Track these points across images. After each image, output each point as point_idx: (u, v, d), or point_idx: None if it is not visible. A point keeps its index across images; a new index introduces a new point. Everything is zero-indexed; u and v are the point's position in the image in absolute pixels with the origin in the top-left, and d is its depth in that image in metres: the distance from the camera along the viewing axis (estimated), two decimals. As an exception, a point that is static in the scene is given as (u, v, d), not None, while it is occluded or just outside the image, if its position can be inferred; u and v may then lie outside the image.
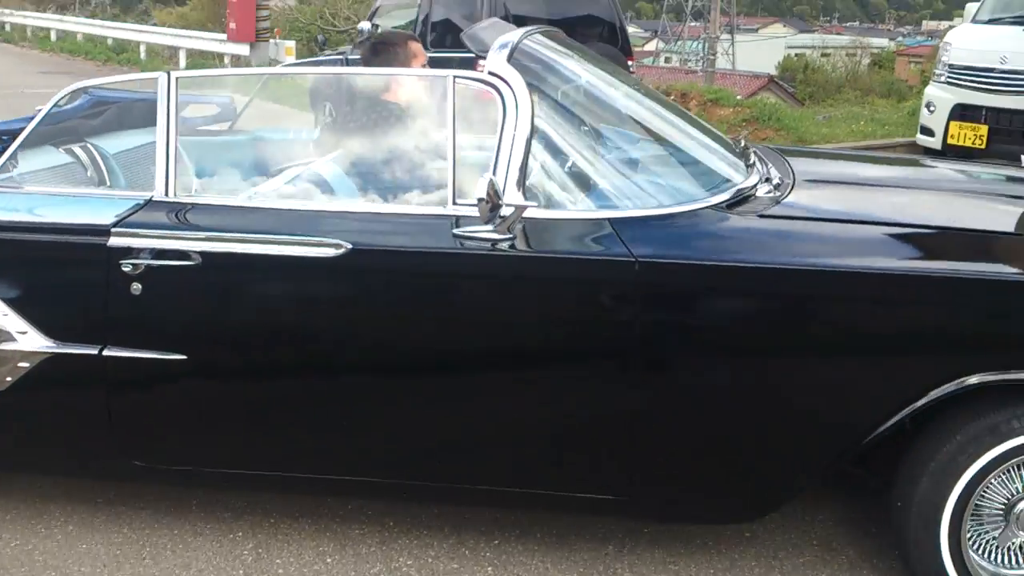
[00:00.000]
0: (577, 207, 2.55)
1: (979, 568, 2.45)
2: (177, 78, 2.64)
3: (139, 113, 3.46)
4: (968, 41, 8.31)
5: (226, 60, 16.16)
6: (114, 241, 2.54)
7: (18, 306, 2.60)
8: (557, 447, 2.58)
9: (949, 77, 8.15)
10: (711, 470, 2.55)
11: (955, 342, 2.39)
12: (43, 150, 3.15)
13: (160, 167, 2.61)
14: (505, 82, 2.51)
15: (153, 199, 2.63)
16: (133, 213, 2.59)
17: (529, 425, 2.56)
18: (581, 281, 2.46)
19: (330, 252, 2.47)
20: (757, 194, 2.77)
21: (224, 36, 15.87)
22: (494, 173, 2.41)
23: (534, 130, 2.47)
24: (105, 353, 2.57)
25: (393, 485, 2.74)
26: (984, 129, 7.71)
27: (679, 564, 2.75)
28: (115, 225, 2.56)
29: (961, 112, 7.92)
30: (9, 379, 2.63)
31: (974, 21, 8.61)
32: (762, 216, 2.65)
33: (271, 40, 15.16)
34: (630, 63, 8.66)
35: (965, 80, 7.93)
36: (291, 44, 14.81)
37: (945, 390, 2.32)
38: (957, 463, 2.35)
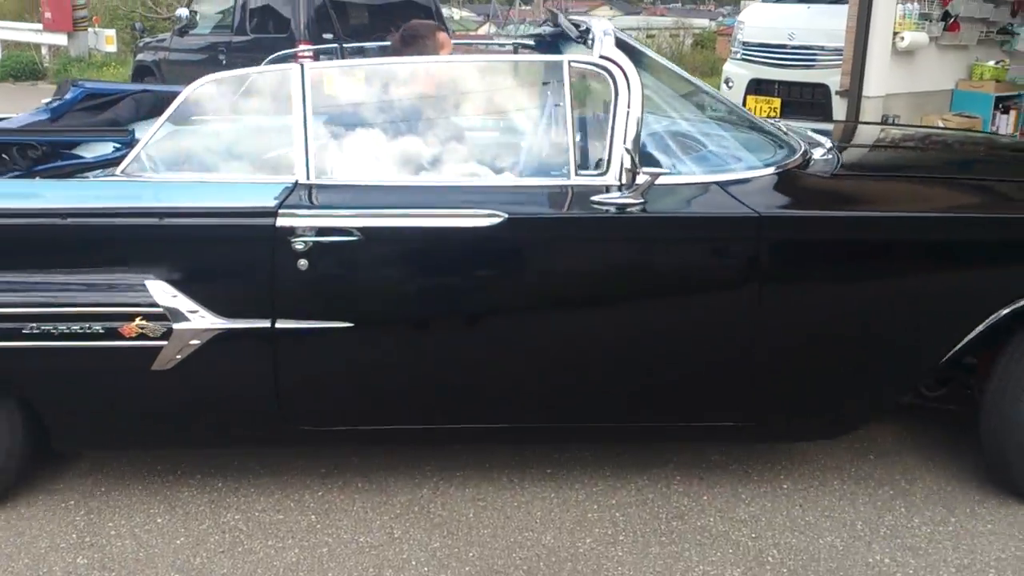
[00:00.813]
0: (686, 173, 2.94)
1: None
2: (311, 68, 2.83)
3: (147, 104, 3.64)
4: (760, 19, 8.90)
5: (43, 50, 15.53)
6: (281, 221, 2.67)
7: (185, 288, 2.68)
8: (692, 381, 2.94)
9: (744, 54, 8.75)
10: (813, 393, 2.97)
11: (1008, 272, 2.89)
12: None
13: (299, 153, 2.79)
14: (617, 65, 2.83)
15: (299, 182, 2.78)
16: (288, 195, 2.73)
17: (668, 364, 2.91)
18: (712, 235, 2.83)
19: (487, 222, 2.70)
20: (814, 157, 3.28)
21: (40, 26, 15.23)
22: (610, 146, 2.77)
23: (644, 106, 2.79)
24: (277, 326, 2.71)
25: (547, 429, 3.06)
26: (777, 102, 8.32)
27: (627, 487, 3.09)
28: (280, 207, 2.69)
29: (756, 87, 8.51)
30: (179, 357, 2.71)
31: (764, 0, 9.27)
32: (835, 176, 3.26)
33: (89, 29, 14.66)
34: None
35: (758, 56, 8.52)
36: (111, 33, 14.39)
37: (1002, 313, 2.82)
38: None
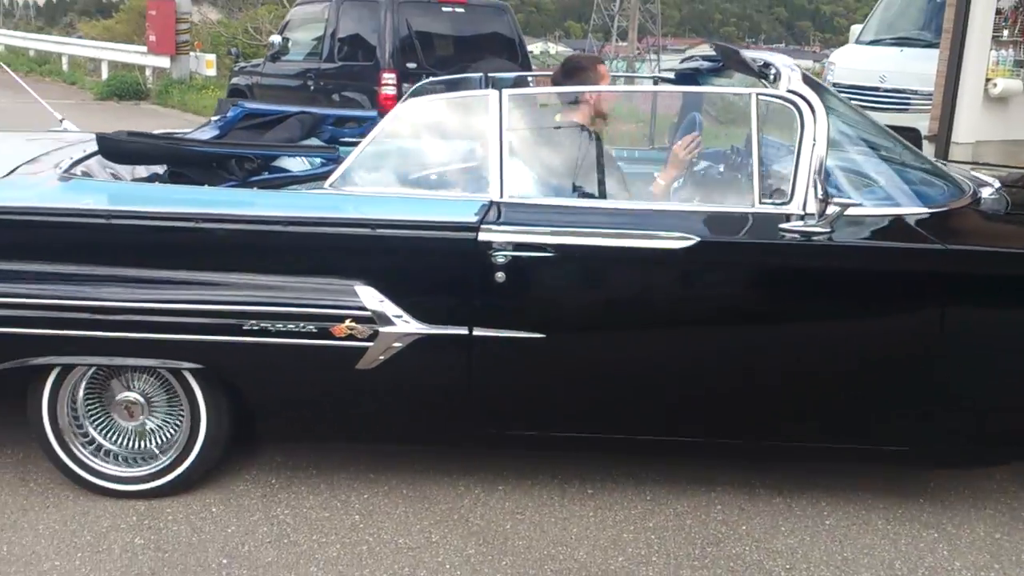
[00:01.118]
0: (867, 204, 3.02)
1: None
2: (509, 95, 3.00)
3: (308, 124, 4.02)
4: (852, 61, 8.84)
5: (147, 72, 16.26)
6: (483, 236, 2.85)
7: (391, 294, 2.87)
8: (868, 403, 3.00)
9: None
10: (981, 422, 3.03)
11: None
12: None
13: (494, 174, 2.96)
14: (804, 99, 2.94)
15: (493, 201, 2.95)
16: (486, 213, 2.91)
17: (842, 387, 3.00)
18: (897, 266, 2.92)
19: (679, 244, 2.84)
20: (984, 197, 3.35)
21: (145, 49, 15.96)
22: (795, 177, 2.90)
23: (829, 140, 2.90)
24: (474, 333, 2.90)
25: (716, 444, 3.16)
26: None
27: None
28: (481, 222, 2.87)
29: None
30: (382, 358, 2.90)
31: (857, 42, 9.19)
32: (1008, 215, 3.31)
33: (191, 53, 15.31)
34: (529, 78, 9.03)
35: (849, 98, 8.44)
36: (211, 57, 14.98)
37: None
38: None
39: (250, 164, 3.42)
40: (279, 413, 3.13)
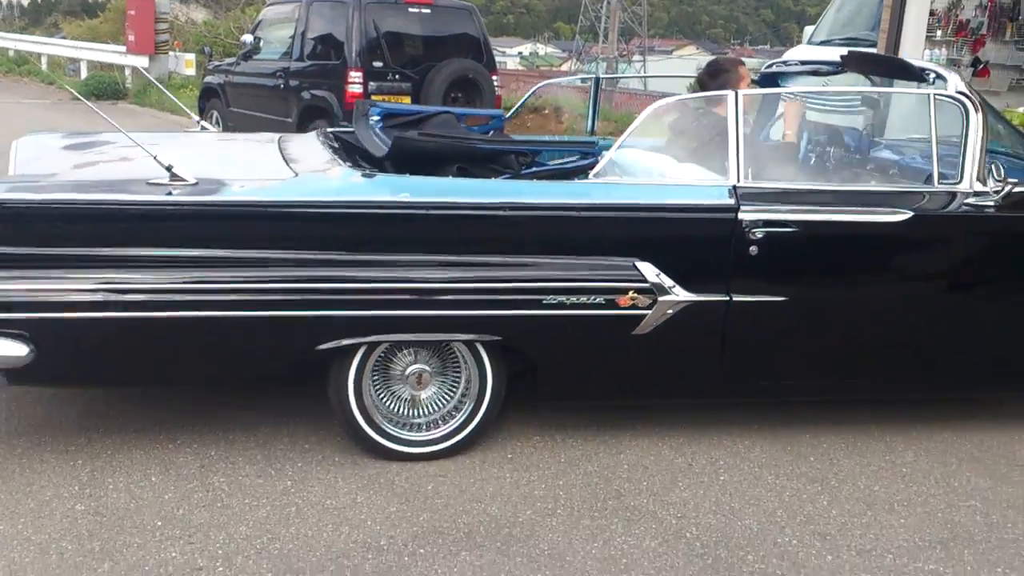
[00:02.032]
0: (999, 185, 3.51)
1: None
2: (744, 97, 3.46)
3: (452, 122, 4.38)
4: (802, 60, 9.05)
5: (127, 72, 16.44)
6: (742, 216, 3.31)
7: (664, 267, 3.28)
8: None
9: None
10: None
11: None
12: None
13: (733, 161, 3.37)
14: (970, 98, 3.57)
15: (736, 185, 3.37)
16: (736, 195, 3.35)
17: (1008, 337, 3.66)
18: None
19: (899, 217, 3.42)
20: None
21: (124, 48, 16.15)
22: (962, 161, 3.52)
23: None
24: (732, 300, 3.35)
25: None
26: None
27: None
28: (739, 205, 3.31)
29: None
30: (656, 324, 3.30)
31: (809, 42, 9.44)
32: None
33: (170, 53, 15.51)
34: (494, 78, 9.31)
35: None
36: (191, 57, 15.19)
37: None
38: None
39: (524, 159, 3.83)
40: (561, 376, 3.48)
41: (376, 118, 4.30)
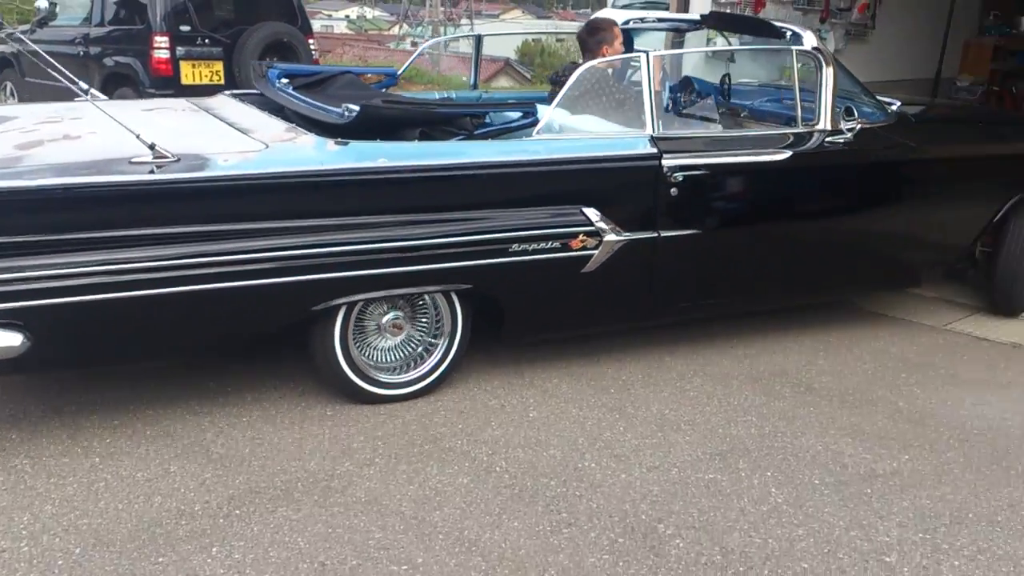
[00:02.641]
0: (852, 124, 4.19)
1: None
2: (654, 57, 3.94)
3: (356, 82, 4.54)
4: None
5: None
6: (664, 162, 3.78)
7: (604, 211, 3.69)
8: (862, 256, 4.46)
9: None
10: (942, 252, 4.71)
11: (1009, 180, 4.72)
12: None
13: (648, 115, 3.83)
14: (821, 53, 4.24)
15: (653, 136, 3.83)
16: (655, 144, 3.80)
17: (859, 248, 4.43)
18: (888, 157, 4.36)
19: (780, 156, 4.06)
20: (897, 111, 4.80)
21: (-98, 24, 14.90)
22: (819, 105, 4.19)
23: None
24: (658, 235, 3.82)
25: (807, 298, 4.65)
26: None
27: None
28: (661, 153, 3.77)
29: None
30: (601, 262, 3.72)
31: (613, 5, 9.79)
32: (919, 121, 5.10)
33: (-46, 27, 14.41)
34: (310, 41, 9.18)
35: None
36: (-23, 30, 14.14)
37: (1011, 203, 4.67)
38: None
39: (476, 120, 4.08)
40: (524, 315, 3.83)
41: (285, 80, 4.41)
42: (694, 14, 6.23)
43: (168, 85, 8.22)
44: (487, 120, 4.17)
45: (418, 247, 3.45)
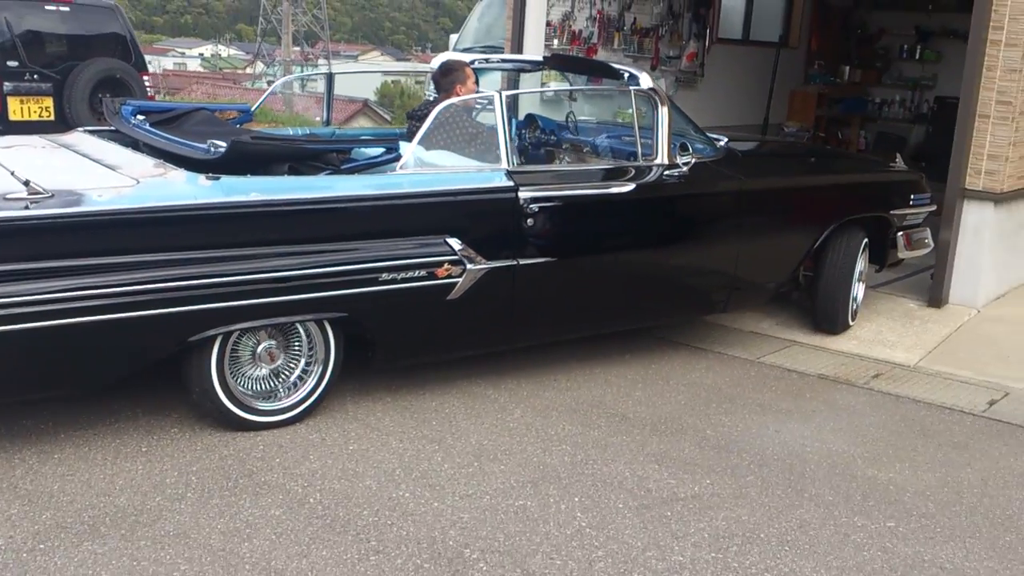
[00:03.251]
0: (687, 158, 4.54)
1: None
2: (505, 96, 4.14)
3: (208, 118, 4.60)
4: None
5: None
6: (520, 194, 4.01)
7: (467, 241, 3.88)
8: (698, 281, 4.87)
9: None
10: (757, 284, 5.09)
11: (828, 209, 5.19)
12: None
13: (504, 150, 4.07)
14: (657, 93, 4.54)
15: (508, 170, 4.06)
16: (511, 178, 4.03)
17: (696, 273, 4.83)
18: (721, 189, 4.78)
19: (625, 188, 4.39)
20: (725, 145, 5.27)
21: None
22: (656, 142, 4.51)
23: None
24: (517, 263, 4.03)
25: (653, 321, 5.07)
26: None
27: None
28: (518, 186, 4.00)
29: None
30: (464, 289, 3.89)
31: (455, 49, 10.03)
32: (746, 155, 5.70)
33: None
34: (144, 78, 9.06)
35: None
36: None
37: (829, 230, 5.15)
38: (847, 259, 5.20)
39: (342, 155, 4.24)
40: (393, 342, 3.98)
41: (141, 117, 4.49)
42: (536, 56, 6.51)
43: (-4, 122, 8.00)
44: (352, 156, 4.30)
45: (292, 277, 3.57)
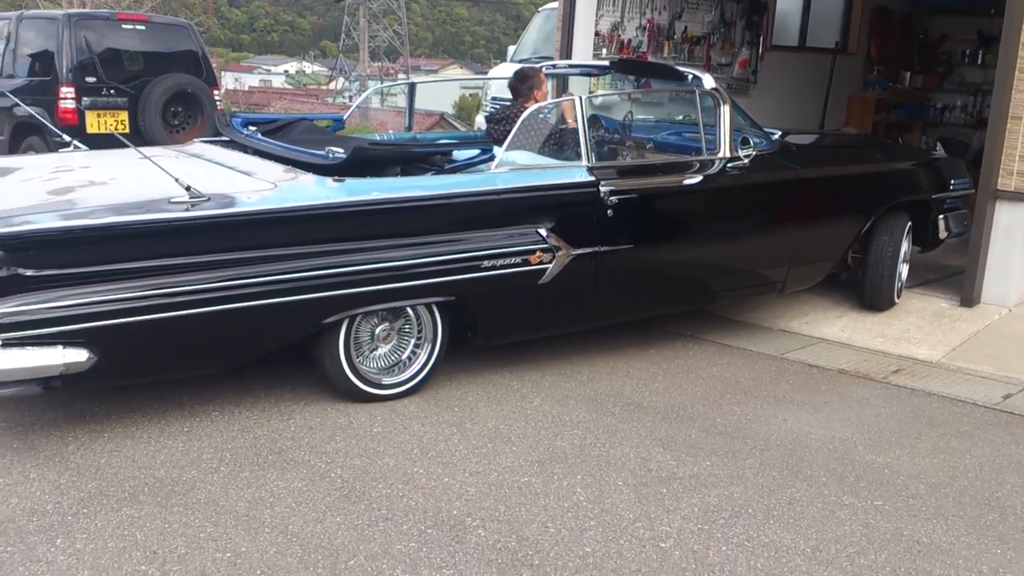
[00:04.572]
0: (748, 151, 4.95)
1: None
2: (586, 99, 4.58)
3: (311, 127, 5.17)
4: (502, 77, 9.91)
5: None
6: (601, 188, 4.47)
7: (556, 231, 4.34)
8: (762, 261, 5.29)
9: (492, 108, 9.72)
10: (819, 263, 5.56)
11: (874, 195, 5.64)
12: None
13: (584, 148, 4.53)
14: (720, 92, 4.98)
15: (587, 167, 4.50)
16: (593, 172, 4.50)
17: (759, 255, 5.28)
18: (780, 178, 5.19)
19: (695, 179, 4.84)
20: (783, 139, 5.72)
21: None
22: (719, 136, 4.92)
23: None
24: (599, 250, 4.47)
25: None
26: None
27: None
28: (599, 180, 4.47)
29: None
30: (554, 274, 4.35)
31: (510, 60, 10.31)
32: (801, 147, 5.94)
33: None
34: (214, 92, 9.54)
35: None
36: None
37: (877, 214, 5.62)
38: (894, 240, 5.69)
39: (445, 157, 4.62)
40: (492, 323, 4.42)
41: (253, 128, 5.00)
42: (603, 61, 6.83)
43: (74, 134, 8.48)
44: (453, 157, 4.70)
45: (408, 266, 4.03)
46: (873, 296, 5.79)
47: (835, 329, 5.52)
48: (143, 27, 9.24)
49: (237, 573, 2.85)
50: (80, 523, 3.11)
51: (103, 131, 8.56)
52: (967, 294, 5.85)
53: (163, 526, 3.11)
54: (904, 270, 5.96)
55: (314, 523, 3.15)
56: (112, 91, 8.89)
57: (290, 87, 46.32)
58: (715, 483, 3.52)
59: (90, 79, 8.76)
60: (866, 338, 5.37)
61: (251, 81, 46.41)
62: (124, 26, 9.15)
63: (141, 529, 3.08)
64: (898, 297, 5.93)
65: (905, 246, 5.85)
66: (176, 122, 9.20)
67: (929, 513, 3.36)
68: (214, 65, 10.15)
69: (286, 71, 60.70)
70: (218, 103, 9.59)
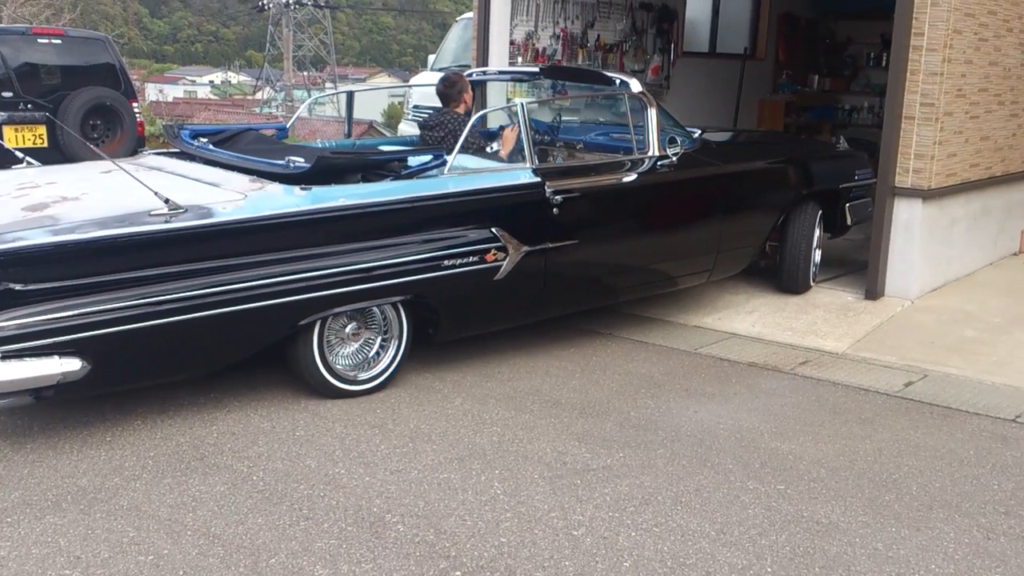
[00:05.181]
0: (676, 149, 5.26)
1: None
2: (523, 104, 4.85)
3: (257, 136, 5.27)
4: (425, 84, 10.06)
5: None
6: (547, 188, 4.75)
7: (508, 230, 4.60)
8: (685, 252, 5.60)
9: (414, 115, 9.85)
10: (739, 251, 5.89)
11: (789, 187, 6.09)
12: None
13: (528, 151, 4.81)
14: (646, 95, 5.39)
15: (532, 168, 4.79)
16: (537, 174, 4.77)
17: (681, 245, 5.58)
18: (703, 174, 5.55)
19: (630, 177, 5.22)
20: (703, 136, 6.17)
21: None
22: (647, 137, 5.29)
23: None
24: (547, 246, 4.74)
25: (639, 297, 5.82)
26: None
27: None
28: (544, 181, 4.75)
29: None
30: (507, 271, 4.62)
31: (431, 69, 10.45)
32: (720, 144, 6.43)
33: None
34: (134, 105, 9.48)
35: (421, 116, 9.62)
36: None
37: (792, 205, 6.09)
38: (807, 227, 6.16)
39: (401, 164, 4.73)
40: (453, 318, 4.66)
41: (203, 139, 5.13)
42: (532, 67, 7.06)
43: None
44: (408, 164, 4.85)
45: (374, 267, 4.25)
46: (790, 280, 6.23)
47: (747, 324, 5.74)
48: (59, 41, 9.16)
49: (160, 575, 2.91)
50: (3, 531, 3.14)
51: (22, 145, 8.45)
52: (871, 288, 6.13)
53: (86, 532, 3.15)
54: (817, 255, 6.38)
55: (236, 525, 3.22)
56: (29, 105, 8.80)
57: (216, 98, 45.78)
58: (627, 473, 3.67)
59: (7, 94, 8.66)
60: (776, 332, 5.60)
61: (175, 92, 45.70)
62: (40, 40, 9.05)
63: (64, 536, 3.12)
64: (813, 280, 6.37)
65: (817, 232, 6.29)
66: (95, 135, 9.12)
67: (829, 495, 3.56)
68: (135, 77, 10.06)
69: (211, 81, 59.90)
70: (138, 116, 9.53)
